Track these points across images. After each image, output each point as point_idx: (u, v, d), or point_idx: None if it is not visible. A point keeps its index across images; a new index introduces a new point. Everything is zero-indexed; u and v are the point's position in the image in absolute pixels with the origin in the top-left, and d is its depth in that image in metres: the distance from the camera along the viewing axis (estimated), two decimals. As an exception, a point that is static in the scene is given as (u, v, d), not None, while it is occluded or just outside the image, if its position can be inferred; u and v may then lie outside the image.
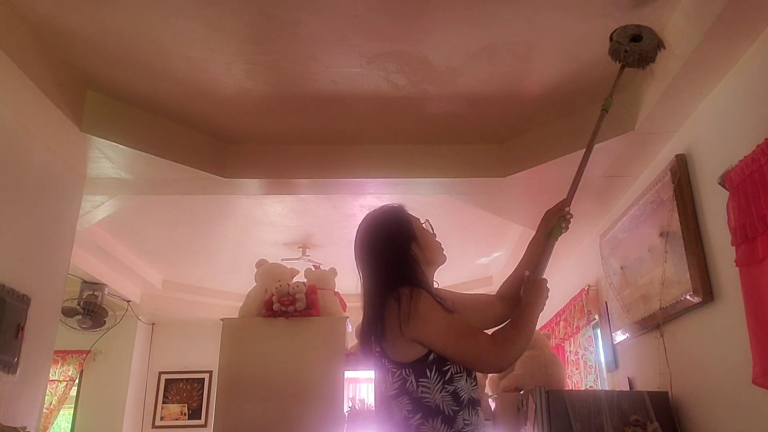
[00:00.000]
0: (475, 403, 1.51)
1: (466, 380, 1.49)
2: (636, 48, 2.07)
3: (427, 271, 1.62)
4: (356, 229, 1.68)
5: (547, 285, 1.70)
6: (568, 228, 1.93)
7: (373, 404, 3.68)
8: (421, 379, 1.46)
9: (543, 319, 4.90)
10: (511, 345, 1.52)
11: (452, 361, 1.48)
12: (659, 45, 2.09)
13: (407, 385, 1.47)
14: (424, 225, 1.70)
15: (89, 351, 5.72)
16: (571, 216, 1.93)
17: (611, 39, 2.12)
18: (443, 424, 1.43)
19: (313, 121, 3.01)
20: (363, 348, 1.59)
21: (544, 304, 1.66)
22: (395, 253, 1.58)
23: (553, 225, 1.87)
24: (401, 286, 1.49)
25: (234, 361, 3.24)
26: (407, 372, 1.47)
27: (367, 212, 1.70)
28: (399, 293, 1.47)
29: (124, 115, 2.82)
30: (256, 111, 2.91)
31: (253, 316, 3.38)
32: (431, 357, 1.46)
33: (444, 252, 1.70)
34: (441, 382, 1.45)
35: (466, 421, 1.46)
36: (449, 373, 1.46)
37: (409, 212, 1.69)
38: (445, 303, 1.53)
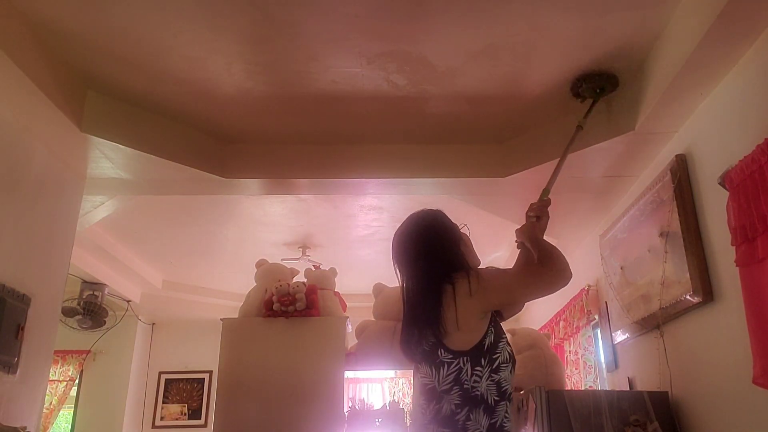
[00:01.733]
0: (511, 399, 1.56)
1: (511, 372, 1.55)
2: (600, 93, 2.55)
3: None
4: (396, 232, 1.77)
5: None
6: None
7: (373, 404, 3.68)
8: (476, 368, 1.52)
9: (543, 318, 4.90)
10: (551, 259, 1.66)
11: (532, 296, 1.65)
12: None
13: (462, 374, 1.52)
14: (462, 229, 1.81)
15: (89, 351, 5.72)
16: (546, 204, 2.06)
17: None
18: (485, 414, 1.48)
19: (313, 121, 3.01)
20: (406, 347, 1.63)
21: (533, 229, 1.87)
22: (446, 248, 1.67)
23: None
24: (454, 273, 1.59)
25: (234, 361, 3.24)
26: (465, 360, 1.52)
27: (408, 215, 1.80)
28: (455, 278, 1.57)
29: (124, 115, 2.82)
30: (256, 111, 2.91)
31: (253, 316, 3.38)
32: (487, 342, 1.53)
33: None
34: (489, 371, 1.52)
35: (506, 415, 1.51)
36: (497, 362, 1.53)
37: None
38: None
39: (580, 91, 2.57)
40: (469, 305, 1.53)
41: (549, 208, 2.04)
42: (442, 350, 1.55)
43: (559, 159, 2.38)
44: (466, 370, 1.51)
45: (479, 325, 1.54)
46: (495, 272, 1.64)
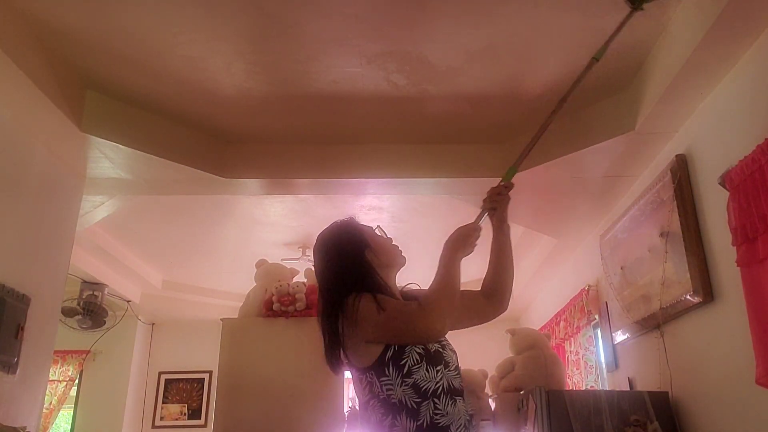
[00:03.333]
0: (452, 393, 1.50)
1: (428, 370, 1.49)
2: None
3: (386, 275, 1.65)
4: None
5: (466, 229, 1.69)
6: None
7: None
8: (382, 379, 1.49)
9: (543, 318, 4.90)
10: (432, 306, 1.50)
11: (402, 342, 1.50)
12: None
13: (373, 387, 1.50)
14: (376, 231, 1.72)
15: (89, 351, 5.71)
16: (500, 190, 1.83)
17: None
18: (408, 418, 1.45)
19: (313, 121, 3.01)
20: (331, 365, 1.61)
21: (458, 245, 1.63)
22: (349, 264, 1.61)
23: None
24: (347, 296, 1.53)
25: (234, 361, 3.23)
26: (370, 375, 1.51)
27: (320, 232, 1.72)
28: (345, 302, 1.52)
29: (124, 115, 2.82)
30: (256, 111, 2.91)
31: (253, 316, 3.38)
32: (389, 354, 1.49)
33: (403, 254, 1.72)
34: (400, 377, 1.48)
35: (436, 411, 1.46)
36: (406, 366, 1.48)
37: (360, 223, 1.72)
38: (385, 303, 1.52)
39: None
40: (353, 335, 1.50)
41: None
42: (353, 368, 1.56)
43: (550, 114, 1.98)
44: (375, 384, 1.49)
45: (371, 348, 1.50)
46: (371, 310, 1.48)
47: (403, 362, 1.48)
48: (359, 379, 1.54)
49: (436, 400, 1.47)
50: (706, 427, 2.37)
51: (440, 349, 1.54)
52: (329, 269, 1.64)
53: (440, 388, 1.48)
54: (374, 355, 1.50)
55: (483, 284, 1.81)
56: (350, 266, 1.60)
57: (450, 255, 1.61)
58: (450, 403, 1.48)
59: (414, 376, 1.48)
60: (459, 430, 1.47)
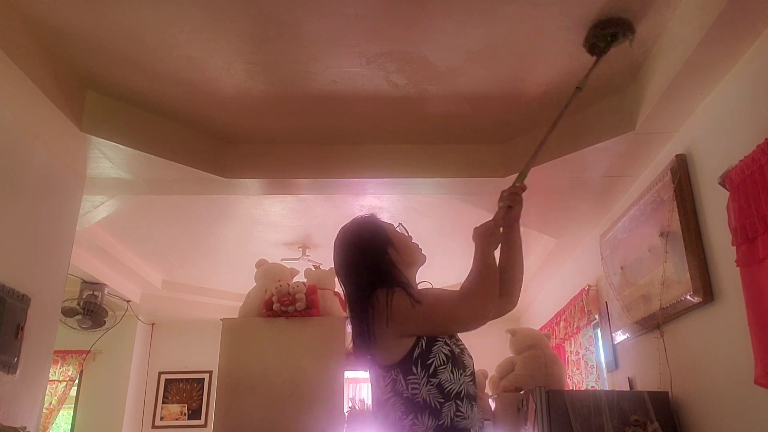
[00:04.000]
0: (471, 398, 1.52)
1: (452, 372, 1.50)
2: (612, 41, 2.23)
3: (407, 273, 1.66)
4: (333, 245, 1.72)
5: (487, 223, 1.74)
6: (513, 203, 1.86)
7: (372, 405, 3.68)
8: (409, 377, 1.50)
9: (543, 318, 4.90)
10: (474, 292, 1.55)
11: (443, 331, 1.53)
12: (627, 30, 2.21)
13: (397, 385, 1.51)
14: (398, 229, 1.73)
15: (89, 351, 5.71)
16: (518, 190, 1.90)
17: (589, 40, 2.25)
18: (430, 417, 1.46)
19: (313, 121, 3.01)
20: (358, 356, 1.62)
21: (487, 238, 1.68)
22: (371, 261, 1.62)
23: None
24: (378, 289, 1.54)
25: (234, 361, 3.23)
26: (396, 372, 1.51)
27: (341, 227, 1.73)
28: (377, 295, 1.53)
29: (124, 115, 2.82)
30: (256, 111, 2.91)
31: (253, 316, 3.38)
32: (416, 352, 1.50)
33: (423, 252, 1.74)
34: (426, 376, 1.49)
35: (458, 413, 1.47)
36: (433, 366, 1.49)
37: (382, 220, 1.74)
38: (420, 296, 1.56)
39: (594, 41, 2.24)
40: (385, 331, 1.51)
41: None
42: (377, 365, 1.56)
43: (548, 129, 2.12)
44: (400, 381, 1.50)
45: (402, 343, 1.51)
46: (406, 304, 1.50)
47: (429, 362, 1.50)
48: (381, 376, 1.54)
49: (458, 402, 1.49)
50: (706, 427, 2.37)
51: (461, 353, 1.56)
52: (354, 264, 1.64)
53: (463, 392, 1.50)
54: (403, 352, 1.50)
55: None
56: (375, 262, 1.61)
57: (483, 246, 1.65)
58: (470, 407, 1.50)
59: (439, 376, 1.49)
60: None
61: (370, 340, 1.53)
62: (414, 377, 1.49)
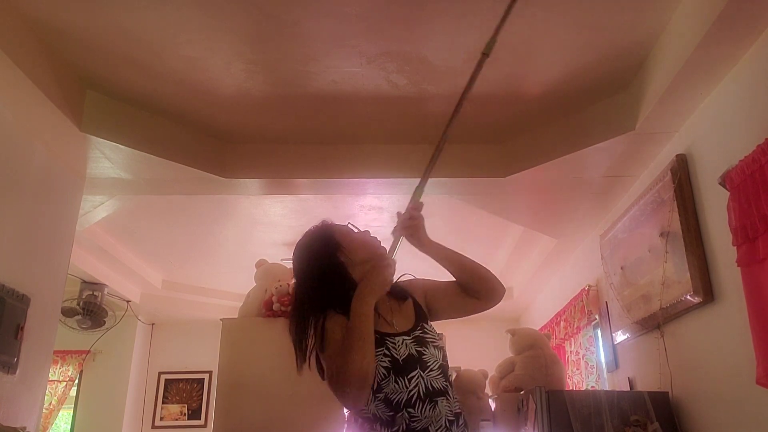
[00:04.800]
0: (431, 395, 1.45)
1: (397, 382, 1.44)
2: None
3: (362, 270, 1.57)
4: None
5: (385, 268, 1.55)
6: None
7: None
8: None
9: (543, 318, 4.90)
10: (341, 377, 1.39)
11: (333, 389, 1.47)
12: None
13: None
14: (351, 228, 1.67)
15: (89, 351, 5.71)
16: (404, 218, 1.70)
17: None
18: (383, 428, 1.44)
19: (313, 121, 3.01)
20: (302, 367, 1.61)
21: (367, 291, 1.49)
22: (315, 274, 1.57)
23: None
24: (312, 313, 1.51)
25: (234, 361, 3.23)
26: None
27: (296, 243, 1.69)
28: (311, 321, 1.51)
29: (124, 115, 2.82)
30: (256, 111, 2.90)
31: (253, 316, 3.38)
32: None
33: (383, 244, 1.64)
34: (371, 393, 1.44)
35: (412, 419, 1.42)
36: (375, 383, 1.43)
37: (332, 224, 1.68)
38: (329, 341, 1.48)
39: None
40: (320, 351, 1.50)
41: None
42: (322, 372, 1.56)
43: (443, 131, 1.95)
44: None
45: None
46: (327, 337, 1.46)
47: None
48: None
49: (410, 410, 1.43)
50: (706, 427, 2.37)
51: (417, 350, 1.49)
52: (302, 279, 1.60)
53: (414, 396, 1.44)
54: None
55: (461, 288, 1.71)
56: (321, 274, 1.55)
57: (357, 304, 1.46)
58: (429, 407, 1.44)
59: (384, 390, 1.44)
60: (439, 430, 1.44)
61: (308, 358, 1.53)
62: None
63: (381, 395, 1.44)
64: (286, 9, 2.17)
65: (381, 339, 1.48)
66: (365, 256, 1.60)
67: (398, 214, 1.70)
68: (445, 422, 1.45)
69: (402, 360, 1.46)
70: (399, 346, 1.48)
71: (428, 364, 1.49)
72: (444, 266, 1.69)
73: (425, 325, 1.59)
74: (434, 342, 1.56)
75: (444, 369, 1.53)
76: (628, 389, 3.09)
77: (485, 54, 1.87)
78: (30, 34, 2.30)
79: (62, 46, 2.41)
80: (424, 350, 1.51)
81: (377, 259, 1.57)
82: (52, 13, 2.22)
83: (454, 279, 1.69)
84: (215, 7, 2.16)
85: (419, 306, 1.64)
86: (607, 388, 3.45)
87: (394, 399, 1.43)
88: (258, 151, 3.22)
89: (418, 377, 1.46)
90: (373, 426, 1.45)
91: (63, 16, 2.23)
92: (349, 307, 1.46)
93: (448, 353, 1.62)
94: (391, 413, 1.43)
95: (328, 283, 1.54)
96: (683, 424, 2.51)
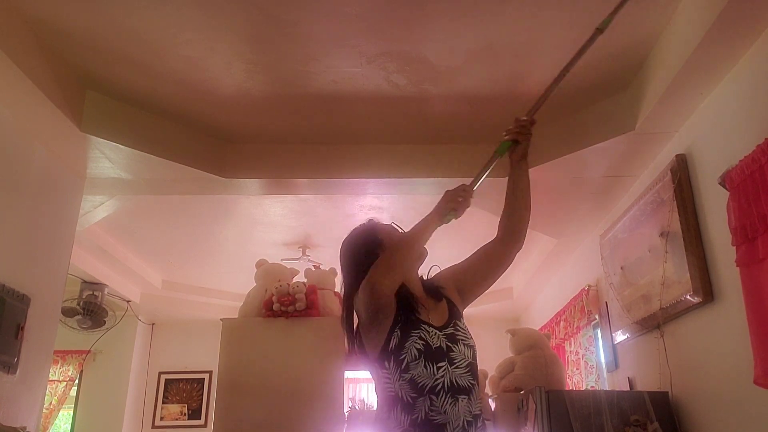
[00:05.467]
0: (454, 391, 1.49)
1: (426, 366, 1.49)
2: None
3: (407, 269, 1.67)
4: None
5: (459, 191, 1.66)
6: (522, 138, 1.77)
7: (372, 404, 3.68)
8: (382, 371, 1.53)
9: (543, 318, 4.90)
10: (378, 264, 1.55)
11: (371, 310, 1.54)
12: None
13: (380, 377, 1.55)
14: (395, 227, 1.76)
15: (89, 351, 5.71)
16: (526, 123, 1.77)
17: None
18: (402, 413, 1.47)
19: (313, 121, 3.01)
20: (355, 355, 1.68)
21: (439, 210, 1.63)
22: (361, 264, 1.65)
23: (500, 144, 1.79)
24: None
25: (234, 361, 3.23)
26: (376, 365, 1.55)
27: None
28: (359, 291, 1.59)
29: (124, 115, 2.82)
30: (256, 111, 2.91)
31: (253, 316, 3.38)
32: (390, 346, 1.52)
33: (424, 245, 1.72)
34: (398, 371, 1.50)
35: (432, 408, 1.46)
36: (405, 362, 1.50)
37: (377, 223, 1.78)
38: (403, 294, 1.60)
39: None
40: (362, 323, 1.58)
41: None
42: (366, 360, 1.62)
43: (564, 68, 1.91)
44: (379, 374, 1.55)
45: (375, 336, 1.55)
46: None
47: (402, 357, 1.50)
48: (371, 368, 1.59)
49: (433, 397, 1.47)
50: (706, 427, 2.37)
51: (447, 345, 1.55)
52: (347, 276, 1.70)
53: (439, 386, 1.48)
54: (379, 342, 1.53)
55: (499, 226, 1.82)
56: (363, 270, 1.62)
57: (426, 219, 1.62)
58: (450, 401, 1.47)
59: (411, 371, 1.49)
60: (456, 430, 1.46)
61: (354, 336, 1.61)
62: (386, 372, 1.52)
63: (407, 376, 1.49)
64: (286, 9, 2.17)
65: (417, 322, 1.56)
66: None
67: (516, 120, 1.76)
68: (464, 422, 1.48)
69: (435, 348, 1.53)
70: (432, 336, 1.55)
71: (455, 361, 1.54)
72: (514, 192, 1.80)
73: (458, 322, 1.65)
74: (465, 340, 1.61)
75: (472, 368, 1.59)
76: (628, 389, 3.09)
77: (599, 30, 1.86)
78: (30, 34, 2.30)
79: (62, 46, 2.41)
80: (454, 347, 1.57)
81: (455, 189, 1.65)
82: (52, 13, 2.22)
83: (503, 215, 1.82)
84: (215, 7, 2.17)
85: (452, 304, 1.70)
86: (607, 388, 3.45)
87: (420, 383, 1.48)
88: (258, 151, 3.23)
89: (445, 369, 1.51)
90: (393, 409, 1.49)
91: (63, 16, 2.23)
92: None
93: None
94: (414, 395, 1.48)
95: (362, 274, 1.62)
96: (683, 424, 2.51)
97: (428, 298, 1.68)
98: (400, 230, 1.75)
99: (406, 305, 1.58)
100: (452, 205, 1.62)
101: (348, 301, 1.66)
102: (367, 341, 1.57)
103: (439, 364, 1.50)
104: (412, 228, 1.62)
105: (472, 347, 1.61)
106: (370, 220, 1.81)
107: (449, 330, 1.60)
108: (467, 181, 3.24)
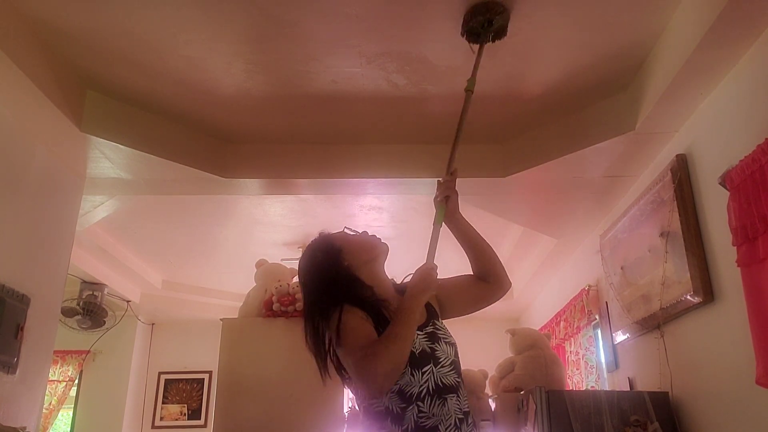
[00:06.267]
0: (441, 392, 1.47)
1: (413, 375, 1.46)
2: (489, 27, 2.14)
3: (373, 270, 1.64)
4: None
5: (430, 270, 1.56)
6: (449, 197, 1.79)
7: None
8: None
9: (543, 318, 4.90)
10: (373, 360, 1.37)
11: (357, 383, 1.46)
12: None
13: (360, 394, 1.51)
14: (346, 232, 1.72)
15: (89, 351, 5.71)
16: (450, 181, 1.85)
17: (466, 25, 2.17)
18: (393, 424, 1.44)
19: (313, 121, 3.01)
20: (326, 374, 1.60)
21: (420, 289, 1.52)
22: (326, 285, 1.58)
23: (437, 211, 1.77)
24: (330, 309, 1.51)
25: (234, 361, 3.24)
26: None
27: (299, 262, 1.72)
28: (330, 315, 1.50)
29: (124, 115, 2.82)
30: (256, 111, 2.91)
31: (253, 316, 3.38)
32: None
33: (383, 241, 1.70)
34: None
35: (420, 414, 1.43)
36: None
37: (328, 233, 1.72)
38: (376, 309, 1.52)
39: (472, 28, 2.16)
40: (338, 346, 1.49)
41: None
42: (344, 375, 1.55)
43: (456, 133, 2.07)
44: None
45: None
46: (345, 328, 1.45)
47: None
48: (348, 385, 1.57)
49: (419, 404, 1.44)
50: (706, 427, 2.37)
51: (429, 347, 1.51)
52: (312, 289, 1.63)
53: (424, 390, 1.45)
54: None
55: (473, 271, 1.78)
56: (330, 280, 1.58)
57: (410, 304, 1.48)
58: (437, 403, 1.45)
59: (399, 382, 1.45)
60: (449, 429, 1.44)
61: (331, 353, 1.53)
62: None
63: (396, 387, 1.45)
64: (286, 9, 2.17)
65: None
66: (368, 256, 1.66)
67: (438, 181, 1.83)
68: (455, 420, 1.46)
69: (418, 353, 1.49)
70: (413, 341, 1.50)
71: (440, 360, 1.51)
72: (467, 243, 1.76)
73: (436, 321, 1.62)
74: (446, 338, 1.59)
75: (456, 366, 1.56)
76: (628, 389, 3.09)
77: (469, 90, 2.07)
78: (30, 34, 2.30)
79: (62, 46, 2.41)
80: (436, 346, 1.54)
81: (422, 274, 1.56)
82: (52, 13, 2.21)
83: (471, 264, 1.76)
84: (215, 7, 2.16)
85: (429, 304, 1.66)
86: (607, 388, 3.45)
87: (408, 391, 1.45)
88: (258, 151, 3.22)
89: (429, 372, 1.48)
90: (383, 424, 1.45)
91: (63, 16, 2.23)
92: (364, 304, 1.51)
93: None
94: (403, 405, 1.44)
95: (339, 287, 1.56)
96: (683, 424, 2.51)
97: (400, 298, 1.60)
98: (353, 234, 1.71)
99: (381, 319, 1.51)
100: (427, 284, 1.54)
101: (313, 321, 1.57)
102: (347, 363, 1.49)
103: (424, 369, 1.47)
104: (399, 321, 1.45)
105: (453, 345, 1.59)
106: (320, 233, 1.73)
107: (429, 329, 1.57)
108: (467, 181, 3.25)
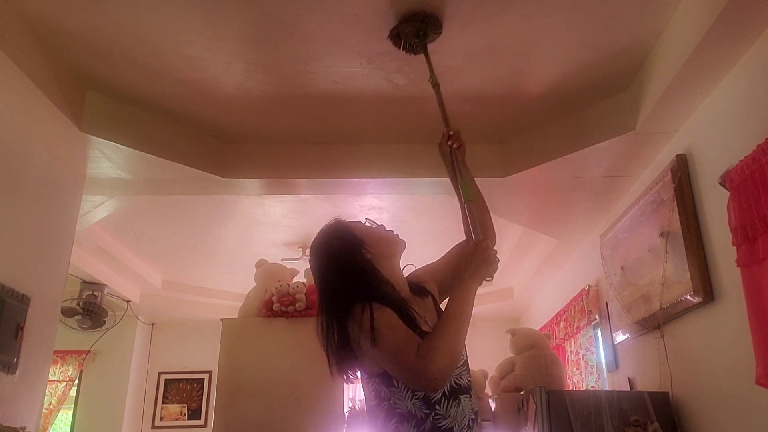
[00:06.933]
0: (456, 393, 1.45)
1: None
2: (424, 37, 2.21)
3: (389, 265, 1.58)
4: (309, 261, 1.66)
5: (487, 249, 1.54)
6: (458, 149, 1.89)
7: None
8: (389, 389, 1.45)
9: (543, 318, 4.90)
10: (432, 353, 1.33)
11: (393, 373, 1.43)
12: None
13: (381, 393, 1.47)
14: (366, 224, 1.66)
15: (89, 351, 5.71)
16: (455, 142, 1.90)
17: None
18: (414, 428, 1.42)
19: (313, 121, 3.01)
20: (339, 371, 1.54)
21: (483, 269, 1.50)
22: (345, 273, 1.53)
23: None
24: (354, 305, 1.45)
25: (234, 361, 3.23)
26: (378, 381, 1.47)
27: (312, 241, 1.66)
28: (353, 312, 1.44)
29: (124, 115, 2.82)
30: (256, 111, 2.91)
31: (253, 316, 3.38)
32: None
33: (400, 237, 1.65)
34: (409, 390, 1.43)
35: (436, 417, 1.42)
36: None
37: (347, 221, 1.66)
38: (403, 310, 1.47)
39: (404, 40, 2.22)
40: (358, 345, 1.44)
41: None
42: (362, 371, 1.51)
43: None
44: (383, 390, 1.45)
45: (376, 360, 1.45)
46: (379, 327, 1.39)
47: None
48: (367, 381, 1.50)
49: (437, 407, 1.43)
50: (706, 427, 2.37)
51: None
52: (329, 279, 1.56)
53: (440, 393, 1.44)
54: (380, 368, 1.45)
55: (465, 229, 1.79)
56: (351, 272, 1.53)
57: (471, 285, 1.47)
58: (453, 404, 1.44)
59: None
60: (462, 430, 1.44)
61: (355, 350, 1.46)
62: (395, 389, 1.44)
63: (420, 393, 1.42)
64: (286, 9, 2.17)
65: (423, 336, 1.44)
66: (388, 251, 1.60)
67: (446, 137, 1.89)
68: (468, 421, 1.46)
69: None
70: None
71: (457, 362, 1.47)
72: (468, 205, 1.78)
73: None
74: None
75: (467, 365, 1.54)
76: (628, 389, 3.09)
77: (434, 84, 2.12)
78: (30, 34, 2.30)
79: (62, 46, 2.41)
80: None
81: (480, 248, 1.54)
82: (52, 13, 2.21)
83: (463, 221, 1.78)
84: (215, 8, 2.16)
85: (435, 300, 1.65)
86: (607, 388, 3.45)
87: (434, 398, 1.43)
88: (258, 151, 3.22)
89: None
90: (402, 422, 1.43)
91: (63, 16, 2.22)
92: (391, 302, 1.46)
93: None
94: (427, 411, 1.42)
95: (359, 281, 1.50)
96: (683, 424, 2.51)
97: (416, 298, 1.60)
98: (374, 226, 1.65)
99: (408, 320, 1.45)
100: (487, 261, 1.52)
101: (328, 313, 1.52)
102: (370, 360, 1.45)
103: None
104: (456, 303, 1.44)
105: (464, 346, 1.56)
106: (336, 219, 1.65)
107: None
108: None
